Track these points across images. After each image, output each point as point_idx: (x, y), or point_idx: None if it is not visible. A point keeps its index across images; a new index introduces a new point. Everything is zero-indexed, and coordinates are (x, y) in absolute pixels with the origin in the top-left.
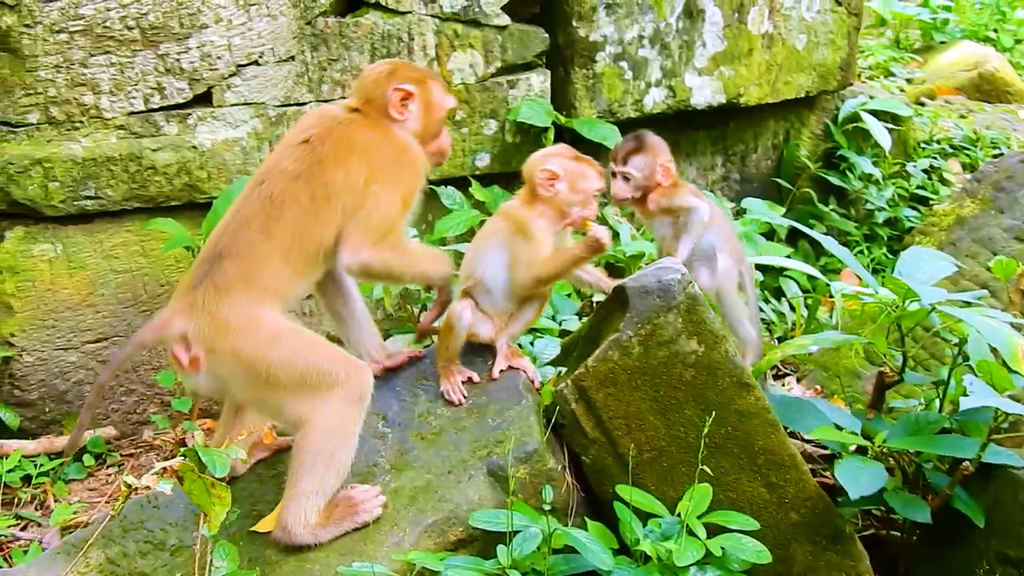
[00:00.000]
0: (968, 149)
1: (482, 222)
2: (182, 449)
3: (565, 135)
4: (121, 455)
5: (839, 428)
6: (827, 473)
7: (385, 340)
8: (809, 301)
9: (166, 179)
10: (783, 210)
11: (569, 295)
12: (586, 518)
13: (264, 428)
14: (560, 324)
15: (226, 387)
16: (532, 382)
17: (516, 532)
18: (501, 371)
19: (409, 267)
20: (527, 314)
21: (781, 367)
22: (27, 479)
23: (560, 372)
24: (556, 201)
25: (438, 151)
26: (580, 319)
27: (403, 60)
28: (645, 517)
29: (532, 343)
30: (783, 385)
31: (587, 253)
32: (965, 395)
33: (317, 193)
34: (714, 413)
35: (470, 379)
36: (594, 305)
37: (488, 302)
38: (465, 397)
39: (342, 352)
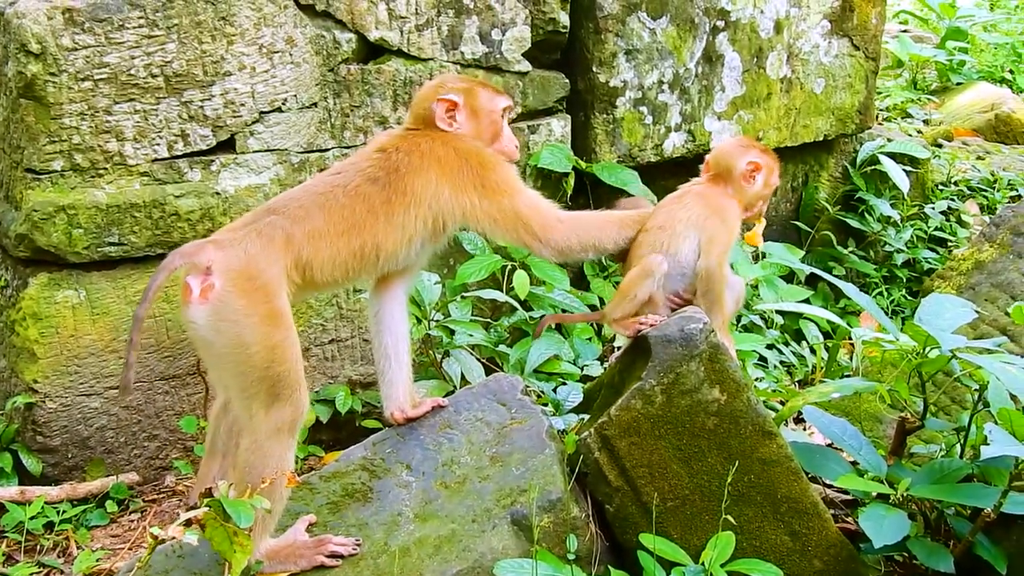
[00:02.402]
0: (986, 191)
1: (506, 268)
2: (206, 500)
3: (585, 180)
4: (144, 501)
5: (861, 474)
6: (849, 519)
7: None
8: (830, 345)
9: (189, 225)
10: (802, 253)
11: (590, 339)
12: (610, 567)
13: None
14: (582, 369)
15: (210, 340)
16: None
17: None
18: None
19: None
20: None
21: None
22: (49, 526)
23: (583, 420)
24: (749, 194)
25: (505, 152)
26: (602, 364)
27: (455, 73)
28: (669, 566)
29: (555, 389)
30: (804, 430)
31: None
32: (986, 443)
33: (393, 199)
34: (737, 461)
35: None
36: (616, 350)
37: (667, 284)
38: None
39: (302, 373)
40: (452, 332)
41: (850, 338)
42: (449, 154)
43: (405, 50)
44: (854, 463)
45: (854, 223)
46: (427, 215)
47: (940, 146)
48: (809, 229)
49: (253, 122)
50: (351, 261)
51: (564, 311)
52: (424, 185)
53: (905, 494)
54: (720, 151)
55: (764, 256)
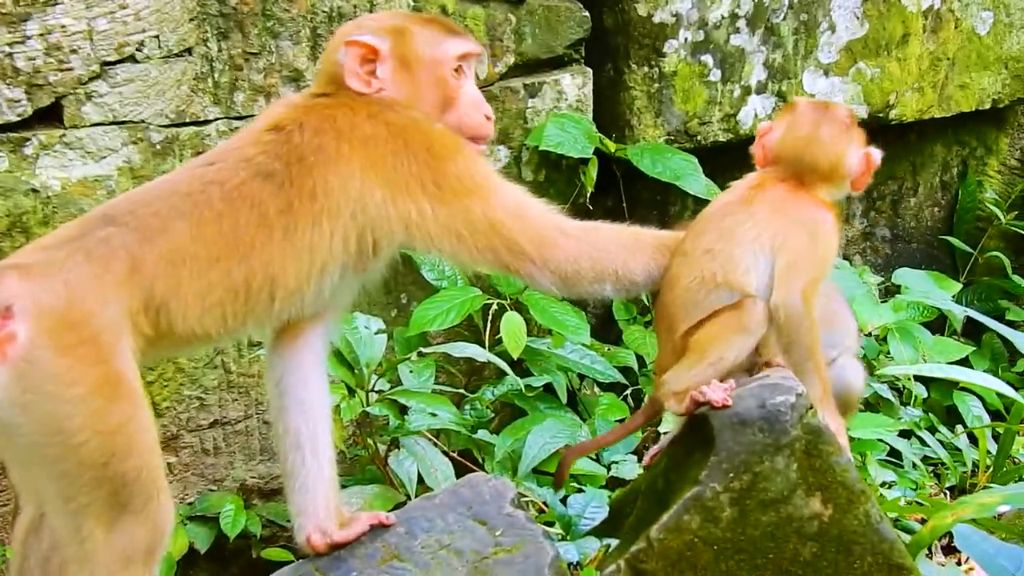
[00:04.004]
0: None
1: (489, 310)
2: None
3: (615, 169)
4: None
5: None
6: None
7: None
8: (1000, 431)
9: None
10: (959, 286)
11: (622, 421)
12: None
13: None
14: (609, 468)
15: (10, 421)
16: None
17: None
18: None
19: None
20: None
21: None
22: None
23: (608, 547)
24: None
25: (468, 129)
26: (639, 461)
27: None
28: None
29: (565, 499)
30: (957, 564)
31: None
32: None
33: (295, 204)
34: None
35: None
36: (659, 437)
37: None
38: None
39: (163, 472)
40: (404, 410)
41: None
42: (379, 133)
43: None
44: None
45: None
46: (348, 230)
47: None
48: (969, 249)
49: (90, 78)
50: (230, 302)
51: (582, 378)
52: (343, 184)
53: None
54: (800, 134)
55: (897, 291)
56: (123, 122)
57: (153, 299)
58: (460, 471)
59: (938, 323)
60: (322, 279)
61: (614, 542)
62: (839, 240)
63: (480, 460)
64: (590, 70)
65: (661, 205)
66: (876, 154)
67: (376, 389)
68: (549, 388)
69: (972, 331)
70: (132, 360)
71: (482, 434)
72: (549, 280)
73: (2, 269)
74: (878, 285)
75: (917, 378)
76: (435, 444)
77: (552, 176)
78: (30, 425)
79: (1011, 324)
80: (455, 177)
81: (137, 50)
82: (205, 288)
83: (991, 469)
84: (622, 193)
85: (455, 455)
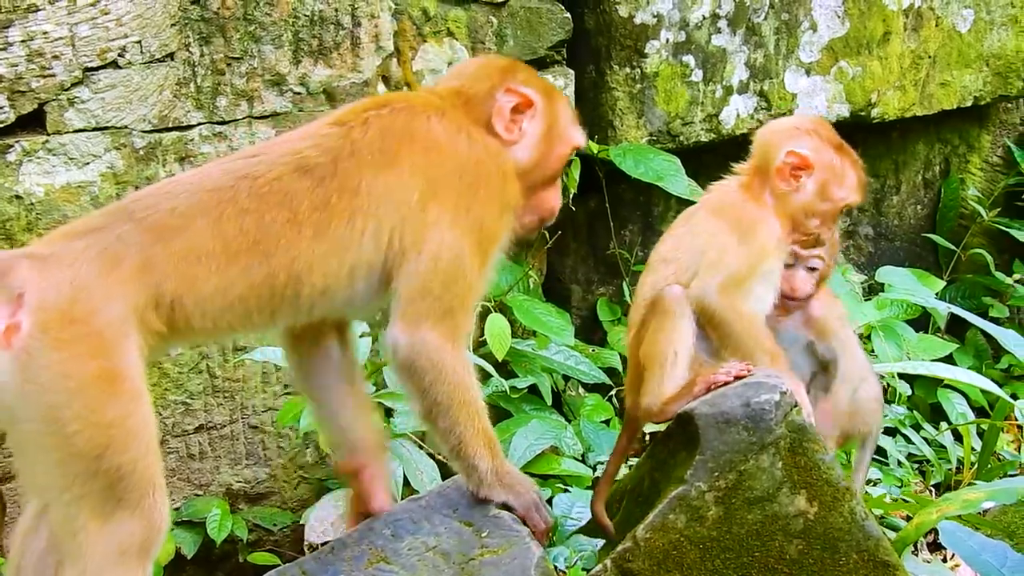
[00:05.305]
0: None
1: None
2: None
3: (597, 170)
4: None
5: None
6: None
7: (316, 500)
8: (984, 428)
9: None
10: (942, 283)
11: (608, 422)
12: None
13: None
14: (595, 469)
15: (12, 406)
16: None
17: None
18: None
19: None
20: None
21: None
22: None
23: (595, 548)
24: (792, 203)
25: (542, 209)
26: (626, 461)
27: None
28: None
29: (550, 500)
30: (943, 560)
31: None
32: None
33: (333, 200)
34: None
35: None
36: (645, 439)
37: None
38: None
39: (160, 470)
40: (389, 413)
41: (1016, 419)
42: (454, 146)
43: None
44: None
45: (1022, 236)
46: (379, 230)
47: None
48: (952, 246)
49: (73, 84)
50: (254, 298)
51: (567, 379)
52: (387, 185)
53: None
54: (763, 131)
55: (881, 289)
56: (106, 128)
57: (164, 297)
58: (446, 473)
59: (922, 321)
60: (352, 280)
61: (601, 543)
62: (774, 241)
63: None
64: (572, 71)
65: (644, 206)
66: (811, 154)
67: None
68: (534, 389)
69: (956, 328)
70: (137, 357)
71: None
72: (404, 355)
73: (19, 257)
74: (861, 283)
75: (901, 376)
76: (420, 446)
77: None
78: (29, 412)
79: (994, 321)
80: (479, 217)
81: (119, 56)
82: (225, 284)
83: (976, 466)
84: (605, 194)
85: (441, 457)
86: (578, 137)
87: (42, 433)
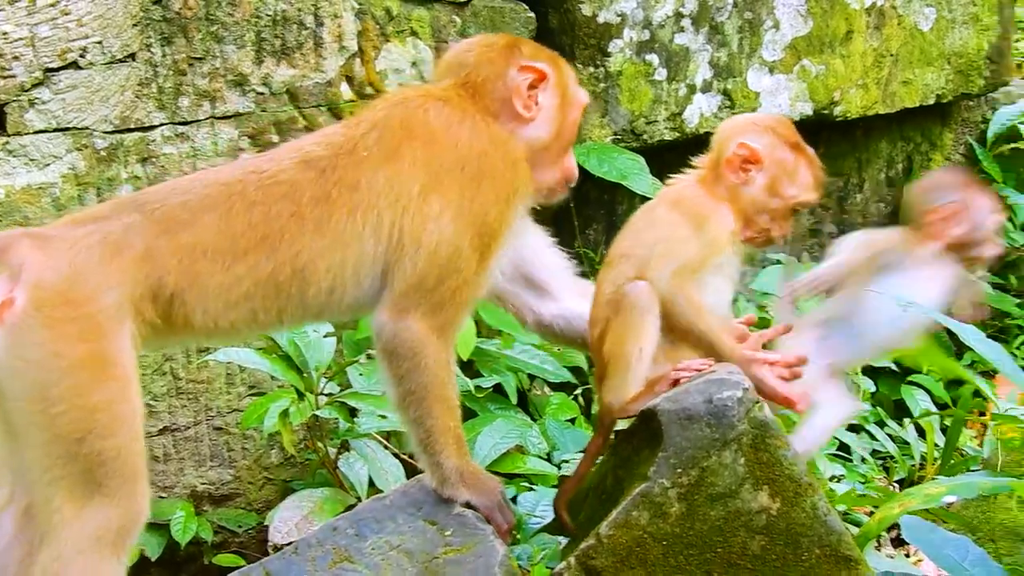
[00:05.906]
0: None
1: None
2: None
3: None
4: None
5: None
6: None
7: (281, 501)
8: (947, 423)
9: None
10: None
11: (573, 420)
12: None
13: None
14: (560, 467)
15: (2, 376)
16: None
17: None
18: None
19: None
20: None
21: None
22: None
23: (559, 544)
24: (742, 196)
25: (564, 176)
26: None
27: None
28: None
29: (515, 498)
30: (906, 556)
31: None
32: None
33: (333, 194)
34: None
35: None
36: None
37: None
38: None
39: (143, 460)
40: (354, 412)
41: (980, 413)
42: (455, 138)
43: None
44: None
45: None
46: (379, 224)
47: None
48: None
49: (33, 85)
50: (260, 297)
51: (532, 378)
52: (388, 179)
53: None
54: (722, 125)
55: None
56: (67, 129)
57: (163, 290)
58: (411, 472)
59: None
60: (358, 277)
61: (565, 540)
62: (727, 234)
63: None
64: None
65: (608, 204)
66: (761, 148)
67: (326, 392)
68: (499, 389)
69: None
70: (129, 346)
71: None
72: (388, 344)
73: (21, 236)
74: None
75: (865, 372)
76: (385, 446)
77: None
78: (16, 389)
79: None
80: (482, 209)
81: (80, 56)
82: (231, 282)
83: (939, 461)
84: (569, 193)
85: (406, 457)
86: (584, 96)
87: (27, 411)
